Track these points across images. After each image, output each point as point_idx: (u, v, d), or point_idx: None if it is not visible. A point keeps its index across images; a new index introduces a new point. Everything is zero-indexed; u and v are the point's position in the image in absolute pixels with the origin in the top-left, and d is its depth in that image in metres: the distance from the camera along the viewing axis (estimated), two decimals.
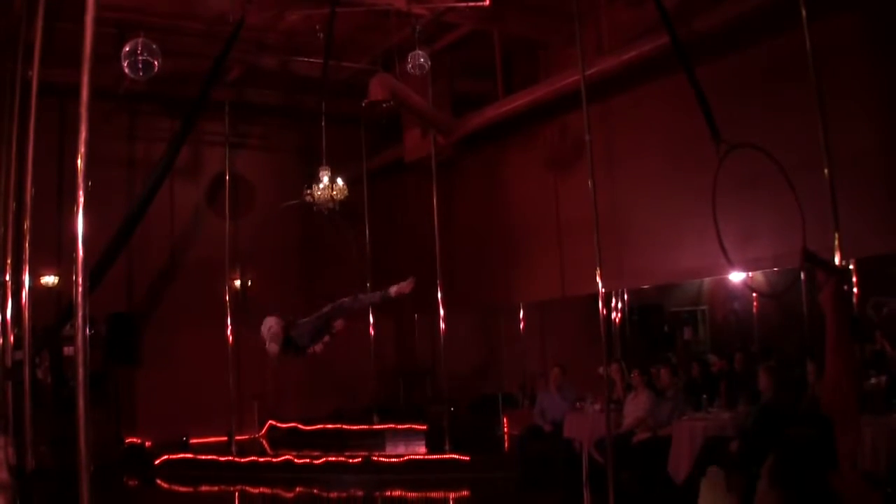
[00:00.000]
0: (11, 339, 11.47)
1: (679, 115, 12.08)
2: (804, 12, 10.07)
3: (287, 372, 17.90)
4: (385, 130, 19.22)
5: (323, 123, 13.21)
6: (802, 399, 10.32)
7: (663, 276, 14.30)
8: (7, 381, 11.12)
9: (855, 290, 12.68)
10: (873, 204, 10.45)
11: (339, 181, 13.45)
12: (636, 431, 12.28)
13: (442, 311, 15.77)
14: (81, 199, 4.65)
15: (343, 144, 16.53)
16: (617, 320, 16.64)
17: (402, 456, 15.40)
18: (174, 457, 16.33)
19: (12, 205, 11.90)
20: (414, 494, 14.18)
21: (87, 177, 4.68)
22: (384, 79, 14.65)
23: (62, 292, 16.14)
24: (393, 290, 9.50)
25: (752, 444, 9.43)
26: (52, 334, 14.78)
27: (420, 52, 13.85)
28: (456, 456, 14.93)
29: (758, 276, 14.17)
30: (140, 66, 12.00)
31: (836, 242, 9.57)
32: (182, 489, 15.40)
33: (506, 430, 17.17)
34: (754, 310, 17.23)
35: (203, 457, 16.46)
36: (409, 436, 17.10)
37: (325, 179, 13.32)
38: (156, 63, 12.05)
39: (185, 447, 17.14)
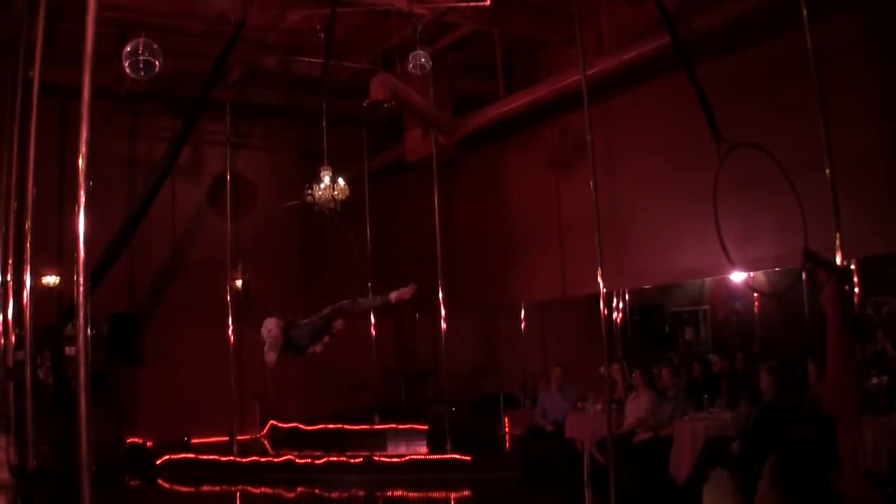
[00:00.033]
0: (13, 339, 11.48)
1: (680, 115, 12.08)
2: (805, 12, 10.07)
3: (288, 372, 17.90)
4: (386, 130, 19.22)
5: (324, 123, 13.22)
6: (804, 399, 10.32)
7: (664, 275, 14.29)
8: (8, 381, 11.14)
9: (856, 290, 12.68)
10: (875, 204, 10.44)
11: (341, 181, 13.46)
12: (637, 431, 12.28)
13: (443, 311, 15.76)
14: (83, 199, 4.66)
15: (344, 144, 16.55)
16: (618, 320, 16.65)
17: (404, 456, 15.41)
18: (175, 457, 16.33)
19: (14, 204, 11.92)
20: (415, 494, 14.18)
21: (88, 176, 4.68)
22: (385, 79, 14.65)
23: (63, 292, 16.14)
24: (393, 295, 9.46)
25: (753, 444, 9.41)
26: (54, 334, 14.79)
27: (421, 51, 13.85)
28: (457, 456, 14.93)
29: (759, 275, 14.15)
30: (141, 65, 12.01)
31: (838, 242, 9.58)
32: (183, 489, 15.40)
33: (507, 430, 17.17)
34: (755, 310, 17.23)
35: (204, 457, 16.46)
36: (411, 436, 17.10)
37: (327, 179, 13.33)
38: (157, 63, 12.07)
39: (187, 447, 17.13)
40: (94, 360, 4.66)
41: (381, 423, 17.86)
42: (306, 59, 15.96)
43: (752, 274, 13.15)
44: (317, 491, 14.65)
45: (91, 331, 4.61)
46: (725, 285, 17.18)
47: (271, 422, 18.83)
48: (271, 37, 15.57)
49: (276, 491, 14.84)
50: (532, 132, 16.14)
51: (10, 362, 11.30)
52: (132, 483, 16.01)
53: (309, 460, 15.53)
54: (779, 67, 11.51)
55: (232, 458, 16.14)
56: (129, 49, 11.97)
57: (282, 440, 18.26)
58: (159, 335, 18.03)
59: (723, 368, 13.84)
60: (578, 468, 12.72)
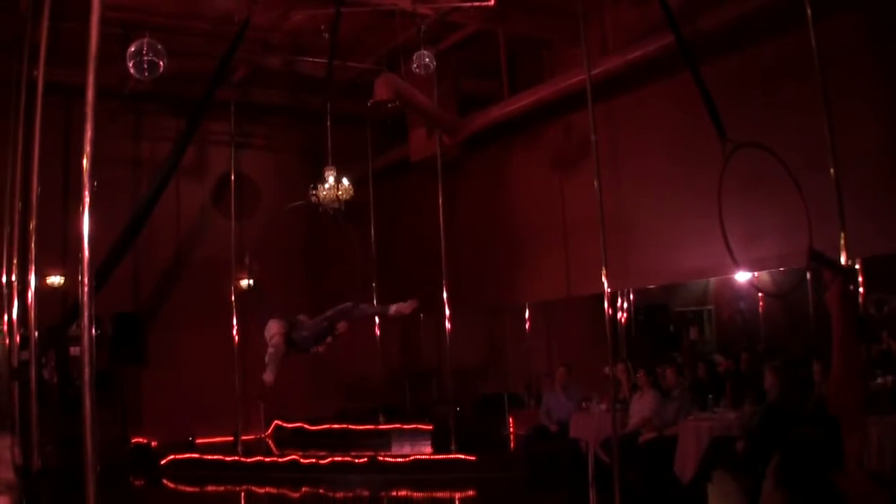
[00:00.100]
0: (17, 339, 11.48)
1: (684, 115, 12.08)
2: (809, 11, 10.05)
3: (293, 372, 17.92)
4: (390, 130, 19.23)
5: (328, 123, 13.23)
6: (808, 399, 10.30)
7: (669, 275, 14.28)
8: (13, 381, 11.14)
9: (861, 289, 12.67)
10: (879, 203, 10.44)
11: (345, 181, 13.47)
12: (642, 431, 12.28)
13: (447, 311, 15.76)
14: (87, 199, 4.65)
15: (348, 144, 16.54)
16: (623, 320, 16.64)
17: (408, 456, 15.40)
18: (180, 457, 16.35)
19: (18, 204, 11.92)
20: (420, 494, 14.19)
21: (92, 176, 4.68)
22: (389, 79, 14.65)
23: (68, 292, 16.14)
24: (392, 308, 9.52)
25: (757, 443, 9.41)
26: (58, 334, 14.80)
27: (425, 51, 13.85)
28: (462, 456, 14.93)
29: (764, 275, 14.15)
30: (145, 65, 12.03)
31: (843, 242, 9.55)
32: (188, 489, 15.42)
33: (511, 430, 17.17)
34: (760, 310, 17.21)
35: (209, 457, 16.48)
36: (415, 436, 17.10)
37: (331, 179, 13.33)
38: (161, 63, 12.08)
39: (191, 447, 17.15)
40: (98, 360, 4.66)
41: (385, 423, 17.85)
42: (310, 59, 15.96)
43: (756, 274, 13.14)
44: (321, 491, 14.65)
45: (96, 331, 4.60)
46: (730, 285, 17.17)
47: (276, 422, 18.84)
48: (275, 37, 15.58)
49: (281, 491, 14.86)
50: (536, 132, 16.14)
51: (15, 362, 11.30)
52: (137, 483, 16.03)
53: (313, 460, 15.53)
54: (783, 67, 11.50)
55: (236, 457, 16.14)
56: (133, 49, 11.98)
57: (286, 440, 18.26)
58: (164, 335, 18.05)
59: (727, 368, 13.84)
60: (583, 468, 12.67)
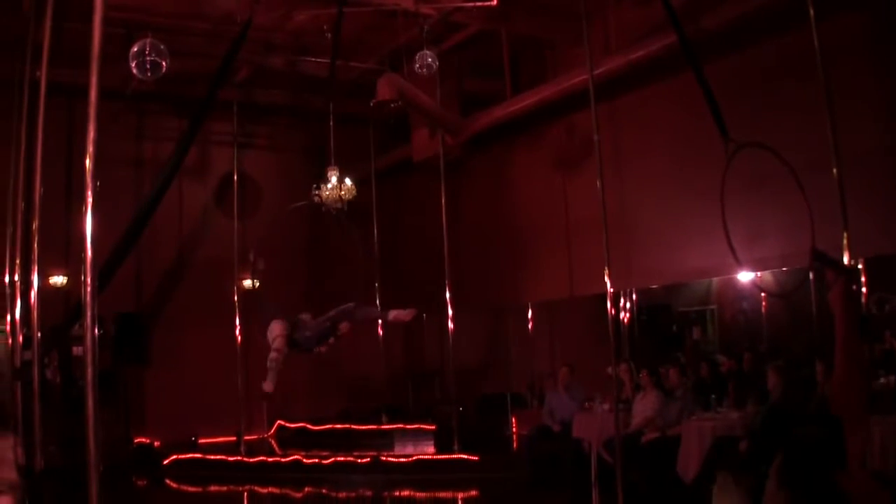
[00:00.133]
0: (20, 339, 11.51)
1: (686, 115, 12.07)
2: (812, 11, 10.04)
3: (296, 372, 17.93)
4: (393, 130, 19.23)
5: (331, 123, 13.22)
6: (811, 399, 10.30)
7: (672, 275, 14.28)
8: (16, 381, 11.18)
9: (864, 289, 12.66)
10: (882, 203, 10.43)
11: (348, 181, 13.46)
12: (645, 431, 12.27)
13: (450, 311, 15.76)
14: (90, 199, 4.67)
15: (351, 144, 16.52)
16: (625, 320, 16.64)
17: (411, 456, 15.40)
18: (183, 457, 16.34)
19: (21, 205, 11.96)
20: (423, 494, 14.18)
21: (95, 177, 4.69)
22: (392, 79, 14.65)
23: (71, 292, 16.17)
24: (392, 314, 9.59)
25: (760, 443, 9.42)
26: (61, 334, 14.83)
27: (428, 51, 13.86)
28: (464, 456, 14.92)
29: (766, 275, 14.15)
30: (148, 66, 12.05)
31: (845, 242, 9.55)
32: (191, 489, 15.42)
33: (514, 430, 17.16)
34: (763, 309, 17.20)
35: (212, 457, 16.48)
36: (418, 436, 17.10)
37: (334, 179, 13.33)
38: (164, 63, 12.10)
39: (194, 447, 17.17)
40: (101, 360, 4.67)
41: (388, 423, 17.85)
42: (313, 60, 15.97)
43: (759, 274, 13.15)
44: (324, 491, 14.65)
45: (98, 331, 4.61)
46: (733, 285, 17.16)
47: (279, 422, 18.85)
48: (278, 37, 15.59)
49: (284, 491, 14.86)
50: (539, 132, 16.13)
51: (18, 362, 11.34)
52: (140, 483, 16.05)
53: (316, 460, 15.53)
54: (785, 67, 11.50)
55: (239, 457, 16.14)
56: (135, 49, 12.00)
57: (289, 440, 18.27)
58: (166, 335, 18.07)
59: (730, 368, 13.83)
60: (586, 468, 12.70)
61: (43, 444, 9.87)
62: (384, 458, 15.24)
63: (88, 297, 4.59)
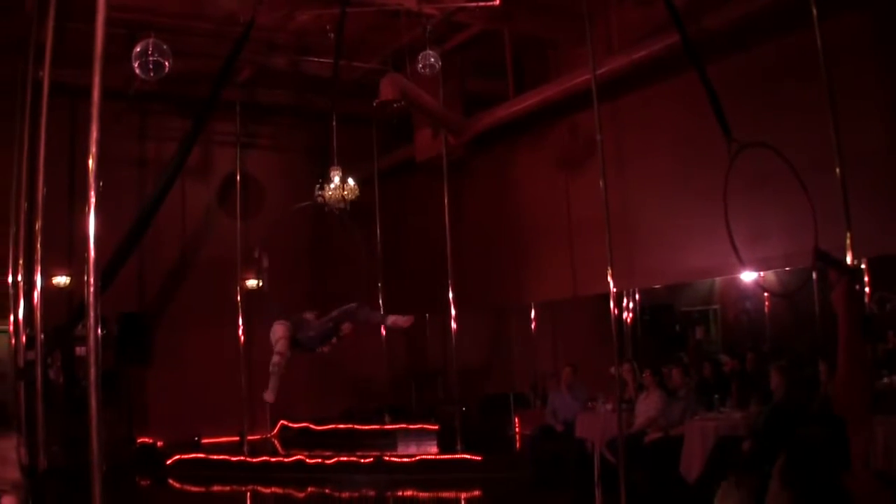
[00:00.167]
0: (24, 339, 11.50)
1: (689, 115, 12.05)
2: (815, 11, 10.04)
3: (298, 372, 17.92)
4: (396, 130, 19.23)
5: (334, 123, 13.22)
6: (814, 398, 10.29)
7: (674, 275, 14.26)
8: (19, 381, 11.16)
9: (867, 289, 12.65)
10: (885, 203, 10.42)
11: (350, 181, 13.46)
12: (648, 431, 12.27)
13: (453, 311, 15.76)
14: (93, 199, 4.67)
15: (354, 144, 16.52)
16: (628, 320, 16.62)
17: (414, 456, 15.42)
18: (186, 456, 16.37)
19: (24, 205, 11.95)
20: (426, 494, 14.19)
21: (98, 177, 4.69)
22: (395, 79, 14.65)
23: (74, 292, 16.18)
24: (390, 319, 9.61)
25: (763, 443, 9.40)
26: (64, 334, 14.83)
27: (431, 51, 13.84)
28: (467, 456, 14.93)
29: (769, 275, 14.13)
30: (151, 66, 12.03)
31: (848, 241, 9.55)
32: (194, 489, 15.44)
33: (517, 429, 17.16)
34: (766, 309, 17.19)
35: (215, 456, 16.50)
36: (421, 436, 17.10)
37: (336, 179, 13.32)
38: (166, 63, 12.09)
39: (197, 447, 17.17)
40: (104, 360, 4.68)
41: (391, 423, 17.86)
42: (315, 60, 15.97)
43: (762, 273, 13.13)
44: (327, 491, 14.67)
45: (101, 331, 4.61)
46: (736, 285, 17.15)
47: (282, 422, 18.85)
48: (280, 37, 15.59)
49: (287, 491, 14.87)
50: (542, 132, 16.12)
51: (21, 362, 11.32)
52: (143, 483, 16.06)
53: (319, 460, 15.54)
54: (788, 67, 11.48)
55: (242, 457, 16.16)
56: (138, 49, 11.99)
57: (292, 440, 18.28)
58: (169, 335, 18.08)
59: (733, 368, 13.83)
60: (589, 468, 12.69)
61: (46, 444, 9.86)
62: (387, 458, 15.26)
63: (91, 297, 4.59)
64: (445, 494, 14.22)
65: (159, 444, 17.30)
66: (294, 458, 15.81)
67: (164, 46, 12.04)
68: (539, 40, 15.93)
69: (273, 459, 16.04)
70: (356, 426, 17.95)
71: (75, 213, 15.40)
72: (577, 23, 12.51)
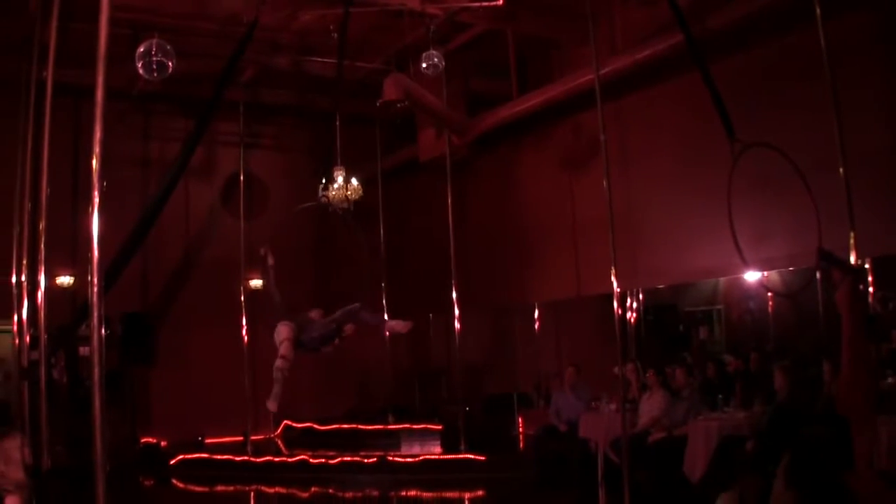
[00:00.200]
0: (27, 339, 11.52)
1: (693, 115, 12.07)
2: (818, 10, 10.03)
3: (302, 372, 17.92)
4: (399, 130, 19.22)
5: (337, 123, 13.22)
6: (818, 399, 10.28)
7: (678, 275, 14.25)
8: (23, 380, 11.17)
9: (871, 289, 12.65)
10: (889, 202, 10.41)
11: (354, 181, 13.46)
12: (651, 431, 12.26)
13: (457, 311, 15.75)
14: (96, 199, 4.68)
15: (357, 144, 16.54)
16: (632, 320, 16.61)
17: (418, 456, 15.41)
18: (190, 456, 16.37)
19: (28, 205, 11.97)
20: (429, 494, 14.19)
21: (101, 177, 4.70)
22: (398, 79, 14.65)
23: (77, 292, 16.17)
24: (388, 324, 9.67)
25: (767, 443, 9.40)
26: (68, 334, 14.83)
27: (434, 51, 13.83)
28: (471, 456, 14.92)
29: (773, 275, 14.12)
30: (154, 66, 12.04)
31: (852, 241, 9.53)
32: (198, 489, 15.44)
33: (521, 429, 17.18)
34: (770, 309, 17.16)
35: (218, 456, 16.50)
36: (425, 436, 17.12)
37: (340, 179, 13.32)
38: (170, 64, 12.10)
39: (201, 447, 17.17)
40: (108, 360, 4.68)
41: (394, 423, 17.88)
42: (319, 60, 15.98)
43: (766, 273, 13.12)
44: (331, 491, 14.66)
45: (105, 331, 4.61)
46: (739, 285, 17.11)
47: (285, 422, 18.85)
48: (284, 37, 15.58)
49: (291, 491, 14.85)
50: (545, 132, 16.12)
51: (25, 362, 11.34)
52: (146, 483, 16.05)
53: (323, 460, 15.54)
54: (792, 66, 11.47)
55: (246, 457, 16.16)
56: (142, 50, 12.00)
57: (296, 440, 18.28)
58: (173, 335, 18.09)
59: (737, 368, 13.83)
60: (592, 468, 12.70)
61: (50, 443, 9.89)
62: (391, 458, 15.25)
63: (95, 297, 4.60)
64: (449, 494, 14.21)
65: (163, 443, 17.31)
66: (298, 458, 15.80)
67: (168, 46, 12.05)
68: (542, 40, 15.92)
69: (277, 459, 16.05)
70: (360, 426, 17.96)
71: (79, 213, 15.41)
72: (581, 23, 12.50)
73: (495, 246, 17.33)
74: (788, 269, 12.38)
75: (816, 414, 9.57)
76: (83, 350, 15.47)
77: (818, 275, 13.04)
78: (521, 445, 16.27)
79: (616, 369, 12.08)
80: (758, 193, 10.64)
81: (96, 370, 4.52)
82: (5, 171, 12.79)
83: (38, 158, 10.44)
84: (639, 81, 13.64)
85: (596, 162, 12.84)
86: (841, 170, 9.70)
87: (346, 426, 18.13)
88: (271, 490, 15.04)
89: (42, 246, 10.32)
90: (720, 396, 12.19)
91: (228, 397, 16.98)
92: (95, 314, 4.57)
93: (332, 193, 12.88)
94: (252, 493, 15.03)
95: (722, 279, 16.87)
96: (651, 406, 12.57)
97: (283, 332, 9.01)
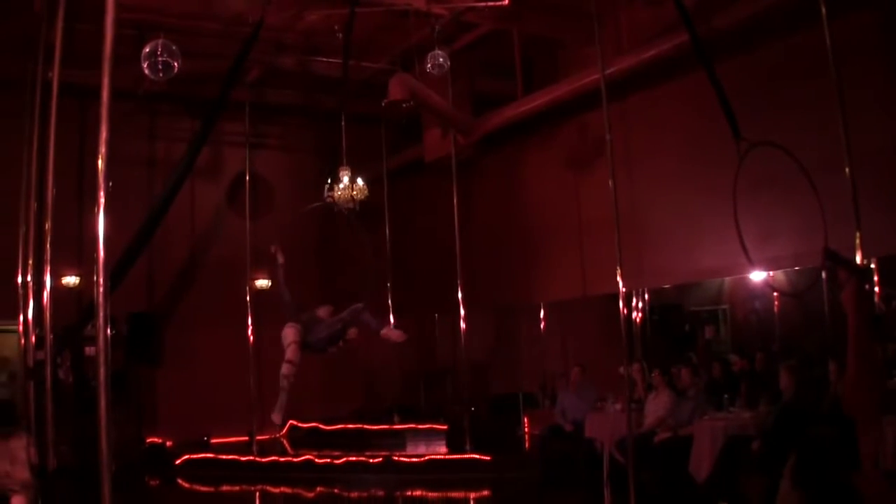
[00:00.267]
0: (33, 339, 11.55)
1: (698, 114, 12.06)
2: (824, 10, 10.02)
3: (308, 372, 17.92)
4: (405, 130, 19.24)
5: (343, 123, 13.23)
6: (824, 398, 10.26)
7: (684, 275, 14.23)
8: (29, 380, 11.21)
9: (876, 288, 12.62)
10: (895, 202, 10.39)
11: (360, 181, 13.46)
12: (657, 431, 12.25)
13: (462, 311, 15.76)
14: (102, 200, 4.68)
15: (362, 144, 16.53)
16: (637, 320, 16.59)
17: (423, 456, 15.40)
18: (195, 456, 16.38)
19: (33, 205, 12.00)
20: (435, 494, 14.18)
21: (107, 177, 4.70)
22: (404, 79, 14.65)
23: (83, 292, 16.20)
24: (384, 332, 9.71)
25: (773, 443, 9.39)
26: (74, 334, 14.86)
27: (439, 51, 13.85)
28: (477, 456, 14.92)
29: (779, 275, 14.11)
30: (160, 66, 12.08)
31: (858, 241, 9.52)
32: (203, 489, 15.44)
33: (526, 429, 17.18)
34: (775, 309, 17.14)
35: (224, 456, 16.51)
36: (430, 435, 17.12)
37: (346, 179, 13.33)
38: (175, 64, 12.12)
39: (206, 447, 17.20)
40: (113, 360, 4.68)
41: (400, 423, 17.88)
42: (324, 60, 15.99)
43: (771, 273, 13.12)
44: (336, 491, 14.66)
45: (111, 331, 4.62)
46: (745, 284, 17.10)
47: (291, 422, 18.84)
48: (289, 37, 15.59)
49: (296, 491, 14.86)
50: (551, 132, 16.11)
51: (31, 362, 11.37)
52: (152, 482, 16.07)
53: (328, 460, 15.54)
54: (797, 66, 11.46)
55: (251, 457, 16.16)
56: (147, 50, 12.03)
57: (301, 440, 18.29)
58: (178, 335, 18.11)
59: (742, 368, 13.80)
60: (598, 468, 12.69)
61: (55, 443, 9.89)
62: (396, 458, 15.25)
63: (101, 297, 4.60)
64: (454, 494, 14.20)
65: (168, 443, 17.34)
66: (303, 457, 15.81)
67: (174, 47, 12.08)
68: (548, 40, 15.92)
69: (282, 459, 16.05)
70: (365, 426, 17.96)
71: (85, 214, 15.45)
72: (586, 22, 12.49)
73: (501, 246, 17.32)
74: (794, 268, 12.37)
75: (822, 414, 9.55)
76: (89, 350, 15.51)
77: (824, 274, 13.05)
78: (527, 445, 16.27)
79: (621, 369, 12.08)
80: (763, 193, 10.62)
81: (102, 370, 4.53)
82: (11, 172, 12.83)
83: (44, 159, 10.46)
84: (644, 81, 13.63)
85: (601, 162, 12.83)
86: (847, 169, 9.69)
87: (351, 426, 18.14)
88: (277, 490, 15.04)
89: (48, 246, 10.34)
90: (726, 396, 12.18)
91: (234, 397, 16.99)
92: (101, 314, 4.57)
93: (337, 193, 12.88)
94: (257, 493, 15.03)
95: (727, 279, 16.85)
96: (657, 406, 12.56)
97: (289, 335, 9.03)
